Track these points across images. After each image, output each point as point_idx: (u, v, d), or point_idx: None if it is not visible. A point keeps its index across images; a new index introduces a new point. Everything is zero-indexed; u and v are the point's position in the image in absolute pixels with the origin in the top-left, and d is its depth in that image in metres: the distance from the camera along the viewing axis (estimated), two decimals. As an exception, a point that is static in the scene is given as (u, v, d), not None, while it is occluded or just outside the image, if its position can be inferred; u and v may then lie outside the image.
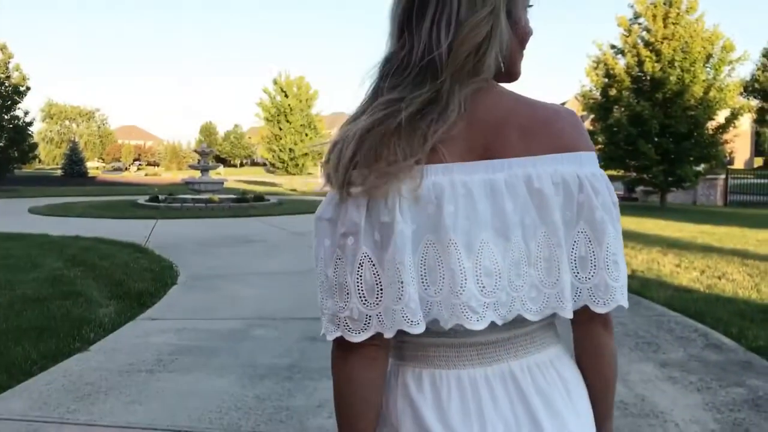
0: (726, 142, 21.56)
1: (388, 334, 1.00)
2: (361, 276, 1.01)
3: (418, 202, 0.99)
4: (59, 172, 47.66)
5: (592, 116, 22.65)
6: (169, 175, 51.71)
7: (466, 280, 0.98)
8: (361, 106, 1.05)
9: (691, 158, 20.94)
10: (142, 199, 20.01)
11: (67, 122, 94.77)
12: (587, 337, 1.09)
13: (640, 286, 7.03)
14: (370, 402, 1.07)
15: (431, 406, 1.04)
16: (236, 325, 5.53)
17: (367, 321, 1.01)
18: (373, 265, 1.00)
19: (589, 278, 1.03)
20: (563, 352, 1.12)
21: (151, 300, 6.44)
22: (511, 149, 1.01)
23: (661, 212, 18.31)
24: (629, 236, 11.68)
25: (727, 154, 24.46)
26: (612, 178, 24.97)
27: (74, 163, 44.72)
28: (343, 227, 1.01)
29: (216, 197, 19.01)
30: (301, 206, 18.71)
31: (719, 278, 7.67)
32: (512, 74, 1.10)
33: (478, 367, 1.05)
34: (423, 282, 1.00)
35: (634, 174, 22.18)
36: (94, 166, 68.73)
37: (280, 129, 55.99)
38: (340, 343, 1.04)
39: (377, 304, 1.01)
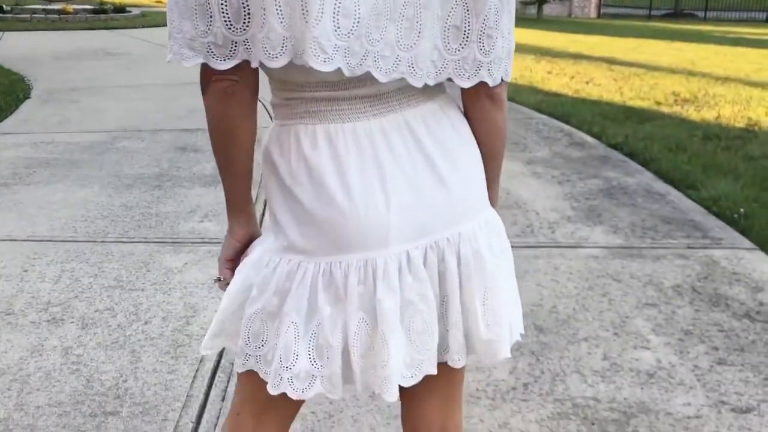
0: (602, -49, 21.61)
1: (254, 64, 0.93)
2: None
3: None
4: None
5: None
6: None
7: (323, 14, 0.88)
8: None
9: (569, -32, 20.96)
10: (-16, 11, 17.93)
11: None
12: (473, 108, 1.07)
13: (513, 92, 7.16)
14: (240, 135, 1.03)
15: (328, 160, 0.99)
16: (99, 138, 5.22)
17: (233, 48, 0.92)
18: None
19: (459, 50, 0.97)
20: (450, 97, 1.09)
21: (1, 114, 5.93)
22: None
23: (537, 23, 18.47)
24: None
25: (602, -35, 24.63)
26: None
27: None
28: None
29: (70, 7, 17.26)
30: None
31: (587, 83, 7.95)
32: None
33: (373, 119, 1.00)
34: (303, 14, 0.89)
35: (513, -16, 22.05)
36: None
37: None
38: (205, 71, 0.97)
39: (244, 30, 0.91)
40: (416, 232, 1.01)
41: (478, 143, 1.10)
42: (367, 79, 0.95)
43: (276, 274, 1.03)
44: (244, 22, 0.91)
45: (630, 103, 6.78)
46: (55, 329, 2.44)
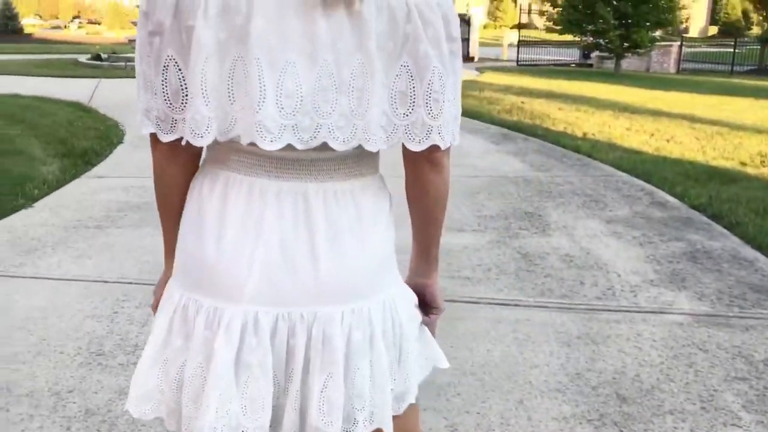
0: (683, 7, 21.37)
1: (183, 142, 1.00)
2: (166, 78, 0.98)
3: (228, 10, 0.93)
4: (-8, 29, 44.87)
5: (551, -23, 22.03)
6: (112, 35, 49.15)
7: (264, 99, 0.95)
8: None
9: (648, 23, 20.75)
10: (83, 58, 19.04)
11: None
12: (411, 171, 1.12)
13: (590, 148, 7.11)
14: (175, 191, 1.11)
15: (216, 204, 1.05)
16: (186, 183, 5.43)
17: (173, 124, 1.00)
18: (179, 69, 0.98)
19: (407, 115, 1.02)
20: (372, 183, 1.11)
21: (96, 158, 6.26)
22: None
23: (615, 78, 18.30)
24: (582, 101, 11.73)
25: (683, 20, 24.28)
26: (568, 43, 24.77)
27: (8, 19, 42.00)
28: (151, 25, 0.98)
29: (162, 56, 18.16)
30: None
31: (667, 141, 7.80)
32: None
33: (274, 180, 1.04)
34: (230, 97, 0.97)
35: (590, 39, 21.97)
36: (30, 24, 64.71)
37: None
38: (153, 136, 1.05)
39: (182, 108, 0.99)
40: (271, 299, 1.03)
41: (416, 207, 1.15)
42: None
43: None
44: (182, 101, 0.99)
45: (713, 162, 6.61)
46: (142, 372, 2.52)
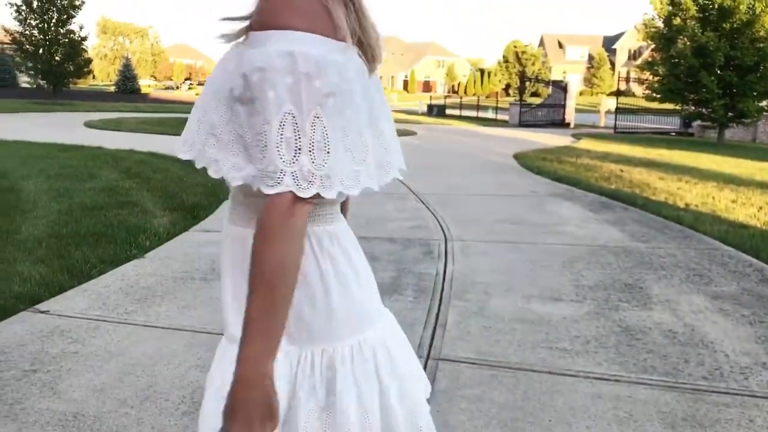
0: (795, 76, 20.56)
1: (375, 188, 1.13)
2: (347, 136, 1.07)
3: (368, 90, 1.11)
4: (113, 89, 48.31)
5: (652, 46, 21.78)
6: (218, 95, 51.72)
7: (394, 142, 1.20)
8: None
9: (755, 93, 20.07)
10: (192, 117, 20.14)
11: (120, 39, 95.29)
12: None
13: (694, 220, 6.87)
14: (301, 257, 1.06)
15: (354, 253, 1.20)
16: (286, 240, 5.60)
17: (356, 176, 1.08)
18: (324, 127, 1.05)
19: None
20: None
21: (204, 213, 6.57)
22: None
23: (718, 148, 17.72)
24: (684, 170, 11.40)
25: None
26: (668, 111, 24.22)
27: (127, 79, 45.20)
28: (327, 88, 1.01)
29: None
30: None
31: (778, 215, 7.45)
32: None
33: (344, 221, 1.24)
34: (365, 155, 1.12)
35: (693, 108, 21.43)
36: (146, 84, 69.20)
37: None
38: (296, 201, 1.00)
39: (363, 161, 1.09)
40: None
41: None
42: None
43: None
44: (324, 160, 1.02)
45: (830, 240, 6.24)
46: (242, 424, 2.58)
